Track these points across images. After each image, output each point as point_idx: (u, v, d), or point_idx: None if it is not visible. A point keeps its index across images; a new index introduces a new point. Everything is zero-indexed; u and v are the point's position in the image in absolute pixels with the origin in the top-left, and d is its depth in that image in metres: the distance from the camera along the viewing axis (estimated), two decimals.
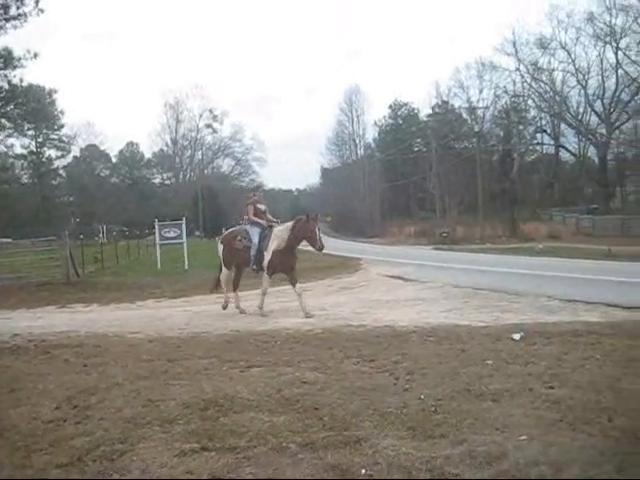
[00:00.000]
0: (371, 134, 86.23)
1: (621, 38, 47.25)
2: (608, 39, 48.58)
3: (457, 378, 5.84)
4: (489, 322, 9.17)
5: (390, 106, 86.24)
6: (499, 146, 61.27)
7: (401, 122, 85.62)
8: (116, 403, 5.52)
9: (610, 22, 47.35)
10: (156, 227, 26.00)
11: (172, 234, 25.88)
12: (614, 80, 50.60)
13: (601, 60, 51.33)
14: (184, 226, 26.18)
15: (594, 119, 55.78)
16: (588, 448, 3.98)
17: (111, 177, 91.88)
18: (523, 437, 4.21)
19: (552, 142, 60.10)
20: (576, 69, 53.18)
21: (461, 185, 56.11)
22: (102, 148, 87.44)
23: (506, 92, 58.70)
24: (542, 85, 56.21)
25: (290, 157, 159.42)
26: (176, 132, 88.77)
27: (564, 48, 53.37)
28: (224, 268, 12.24)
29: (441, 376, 5.96)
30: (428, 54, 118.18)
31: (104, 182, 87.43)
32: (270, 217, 12.04)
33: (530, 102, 58.69)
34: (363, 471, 3.83)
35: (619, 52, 48.70)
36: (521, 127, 59.30)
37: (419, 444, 4.21)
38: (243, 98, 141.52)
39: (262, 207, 12.01)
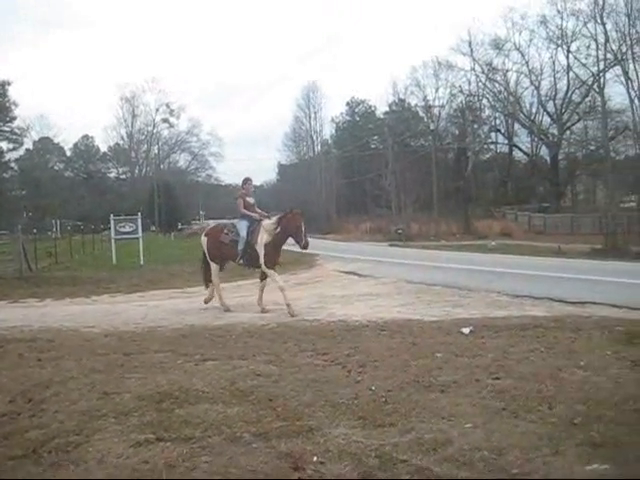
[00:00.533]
0: (328, 131, 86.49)
1: (572, 41, 48.37)
2: (560, 42, 49.71)
3: (407, 370, 6.02)
4: (440, 316, 9.41)
5: (347, 103, 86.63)
6: (454, 144, 62.13)
7: (358, 119, 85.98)
8: (71, 396, 5.53)
9: (562, 26, 48.47)
10: (111, 222, 25.77)
11: (127, 229, 25.71)
12: (565, 82, 51.81)
13: (553, 62, 52.53)
14: (139, 221, 26.00)
15: (546, 119, 57.02)
16: (528, 434, 4.19)
17: (65, 171, 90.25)
18: (468, 425, 4.40)
19: (506, 141, 61.21)
20: (529, 70, 54.29)
21: (417, 182, 56.71)
22: (56, 141, 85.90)
23: (461, 91, 59.62)
24: (496, 85, 57.23)
25: (247, 153, 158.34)
26: (132, 126, 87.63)
27: (518, 49, 54.41)
28: (211, 263, 11.78)
29: (392, 368, 6.13)
30: (386, 52, 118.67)
31: (58, 176, 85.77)
32: (259, 211, 11.68)
33: (485, 101, 59.71)
34: (315, 458, 3.95)
35: (570, 55, 49.83)
36: (476, 126, 60.17)
37: (369, 432, 4.36)
38: (200, 93, 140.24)
39: (251, 200, 11.68)
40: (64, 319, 10.71)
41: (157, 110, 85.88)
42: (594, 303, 10.09)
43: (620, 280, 13.87)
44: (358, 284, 15.21)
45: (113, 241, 25.66)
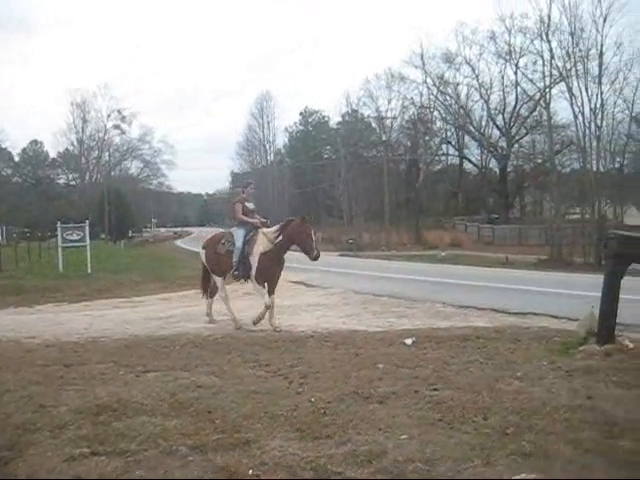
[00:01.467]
0: (282, 140, 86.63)
1: (520, 57, 49.49)
2: (508, 57, 50.78)
3: (348, 381, 6.04)
4: (385, 327, 9.51)
5: (301, 113, 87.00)
6: (406, 155, 62.89)
7: (311, 129, 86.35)
8: (6, 409, 5.40)
9: (510, 42, 49.53)
10: (59, 229, 25.29)
11: (75, 237, 25.24)
12: (514, 96, 52.95)
13: (502, 77, 53.59)
14: (87, 229, 25.56)
15: (496, 132, 58.13)
16: (461, 444, 4.24)
17: (13, 176, 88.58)
18: (404, 436, 4.43)
19: (457, 153, 62.17)
20: (479, 84, 55.30)
21: (368, 193, 57.22)
22: (3, 146, 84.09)
23: (413, 103, 60.41)
24: (448, 98, 58.09)
25: (200, 161, 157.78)
26: (83, 132, 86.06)
27: (469, 63, 55.40)
28: (215, 277, 10.95)
29: (333, 379, 6.15)
30: (340, 63, 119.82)
31: (5, 181, 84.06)
32: (259, 217, 10.82)
33: (436, 114, 60.58)
34: (250, 472, 3.94)
35: (518, 70, 50.95)
36: (427, 138, 61.05)
37: (305, 445, 4.37)
38: (153, 101, 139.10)
39: (250, 206, 10.79)
40: (5, 329, 10.50)
41: (109, 116, 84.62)
42: (535, 314, 10.30)
43: (562, 291, 14.21)
44: (306, 294, 15.25)
45: (60, 249, 25.16)
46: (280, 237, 10.00)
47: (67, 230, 25.43)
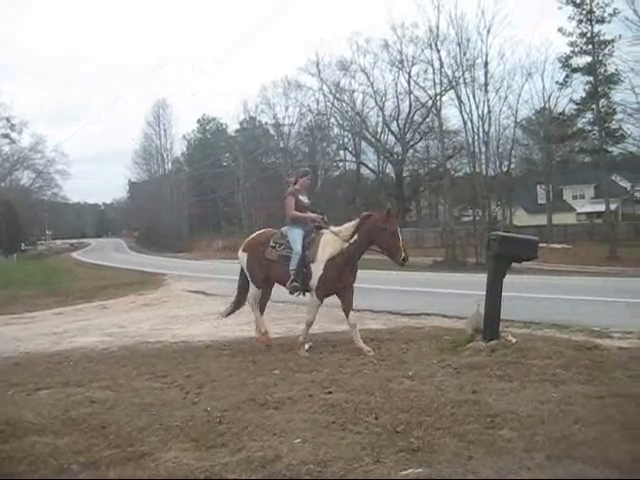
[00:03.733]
0: (179, 148, 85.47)
1: (412, 66, 50.85)
2: (401, 66, 52.06)
3: (245, 389, 6.08)
4: (283, 333, 9.61)
5: (199, 120, 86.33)
6: (304, 162, 63.38)
7: (210, 137, 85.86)
8: None
9: (402, 51, 50.80)
10: None
11: None
12: (407, 103, 54.41)
13: (396, 84, 54.90)
14: None
15: (391, 138, 59.52)
16: (353, 445, 4.37)
17: None
18: (297, 440, 4.52)
19: (354, 159, 63.12)
20: (374, 91, 56.40)
21: (268, 200, 57.30)
22: None
23: (310, 110, 61.02)
24: (344, 105, 58.90)
25: (96, 170, 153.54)
26: None
27: (363, 71, 56.40)
28: (252, 286, 8.87)
29: (230, 388, 6.18)
30: (237, 71, 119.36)
31: None
32: (313, 215, 8.61)
33: (333, 120, 61.28)
34: None
35: (410, 78, 52.42)
36: (325, 144, 61.78)
37: (200, 454, 4.38)
38: (45, 109, 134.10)
39: (305, 200, 8.71)
40: None
41: None
42: (427, 314, 10.64)
43: (454, 291, 14.74)
44: (205, 303, 15.15)
45: None
46: (355, 236, 7.96)
47: None
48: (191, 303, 15.38)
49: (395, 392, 5.63)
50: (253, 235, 9.30)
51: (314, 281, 7.98)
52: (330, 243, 8.00)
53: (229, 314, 9.54)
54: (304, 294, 8.36)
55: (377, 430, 4.64)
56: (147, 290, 19.59)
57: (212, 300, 15.76)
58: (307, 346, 8.06)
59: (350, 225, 8.11)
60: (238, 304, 9.38)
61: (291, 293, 8.38)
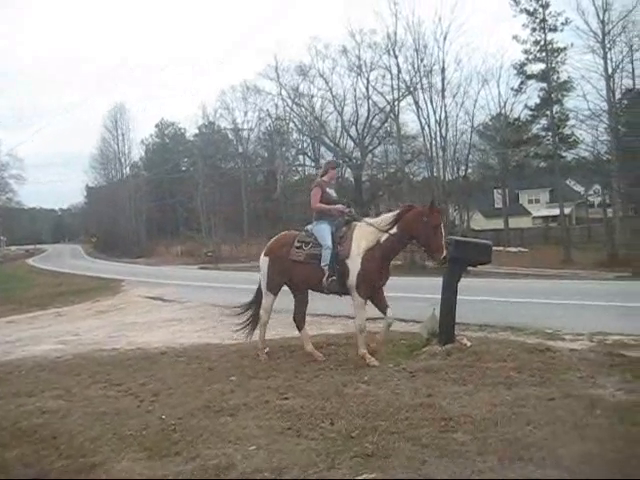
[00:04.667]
0: (138, 153, 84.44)
1: (370, 71, 51.05)
2: (359, 71, 52.23)
3: (200, 396, 6.05)
4: (240, 339, 9.51)
5: (157, 125, 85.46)
6: (264, 167, 63.29)
7: (168, 141, 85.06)
8: None
9: (360, 56, 50.98)
10: None
11: None
12: (366, 108, 54.42)
13: (355, 90, 54.83)
14: None
15: (350, 143, 59.45)
16: (308, 451, 4.38)
17: None
18: (252, 447, 4.51)
19: (313, 164, 63.11)
20: (333, 96, 56.32)
21: (227, 204, 57.17)
22: None
23: (269, 115, 60.79)
24: (303, 109, 58.80)
25: (53, 175, 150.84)
26: None
27: (322, 76, 56.30)
28: (268, 294, 7.95)
29: (185, 395, 6.14)
30: (196, 75, 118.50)
31: None
32: (340, 206, 7.75)
33: (292, 125, 61.10)
34: None
35: (369, 84, 52.72)
36: (284, 149, 61.60)
37: (154, 464, 4.34)
38: None
39: (332, 194, 7.93)
40: None
41: None
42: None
43: (411, 295, 14.79)
44: (162, 310, 14.99)
45: None
46: (394, 229, 7.24)
47: None
48: (149, 309, 15.21)
49: (351, 397, 5.65)
50: (274, 238, 8.36)
51: (352, 279, 7.20)
52: (365, 235, 7.30)
53: (252, 329, 8.43)
54: (340, 295, 7.62)
55: (332, 436, 4.65)
56: (104, 297, 19.31)
57: (170, 306, 15.64)
58: (264, 352, 8.00)
59: (389, 216, 7.43)
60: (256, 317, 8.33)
61: (328, 292, 7.53)
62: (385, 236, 7.21)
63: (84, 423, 5.39)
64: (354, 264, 7.17)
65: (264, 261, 7.99)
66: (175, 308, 15.01)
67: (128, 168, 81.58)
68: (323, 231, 7.48)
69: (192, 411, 5.50)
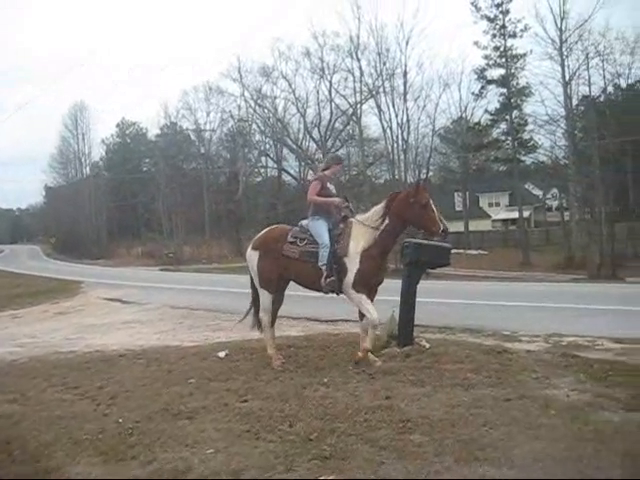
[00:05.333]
0: (99, 152, 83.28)
1: (333, 74, 51.24)
2: (322, 73, 52.38)
3: (159, 399, 5.98)
4: (199, 341, 9.48)
5: (118, 125, 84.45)
6: (226, 168, 63.04)
7: (129, 141, 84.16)
8: None
9: (323, 59, 51.16)
10: None
11: None
12: (329, 111, 54.67)
13: (317, 92, 54.96)
14: None
15: (312, 145, 59.60)
16: (267, 453, 4.37)
17: None
18: (210, 450, 4.48)
19: (275, 166, 63.09)
20: (296, 98, 56.36)
21: (189, 205, 56.80)
22: None
23: (232, 116, 60.66)
24: (265, 111, 58.75)
25: (10, 175, 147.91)
26: None
27: (285, 78, 56.34)
28: (263, 291, 7.57)
29: (143, 398, 6.06)
30: (158, 74, 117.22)
31: None
32: (337, 199, 7.49)
33: (255, 127, 61.00)
34: None
35: (332, 86, 52.89)
36: (246, 150, 61.45)
37: (110, 468, 4.29)
38: None
39: (332, 189, 7.64)
40: None
41: None
42: (345, 321, 10.65)
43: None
44: (122, 311, 14.81)
45: None
46: (386, 220, 7.04)
47: None
48: (108, 311, 15.00)
49: (310, 399, 5.65)
50: (264, 231, 7.87)
51: (350, 277, 6.94)
52: (362, 233, 7.06)
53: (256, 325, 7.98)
54: (337, 294, 7.27)
55: (291, 438, 4.65)
56: (62, 298, 18.98)
57: (129, 308, 15.46)
58: (223, 354, 7.96)
59: (378, 209, 7.17)
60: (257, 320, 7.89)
61: (326, 292, 7.22)
62: (379, 232, 7.00)
63: (38, 428, 5.30)
64: (353, 262, 6.95)
65: (253, 255, 7.58)
66: (134, 310, 14.84)
67: (88, 168, 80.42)
68: (320, 228, 7.17)
69: (150, 414, 5.44)
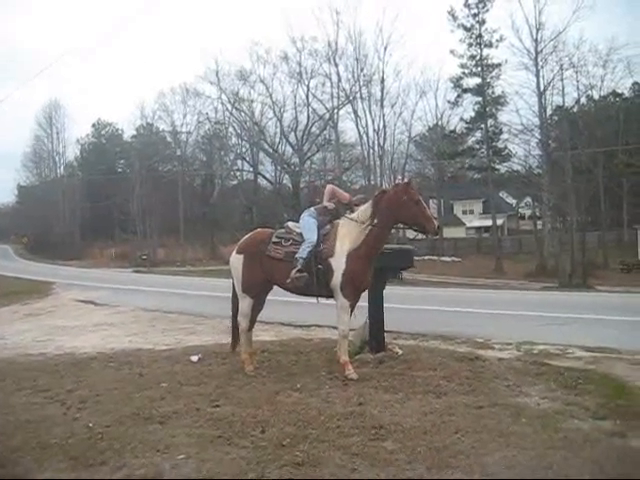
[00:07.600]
0: (73, 152, 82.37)
1: (310, 78, 51.35)
2: (300, 78, 52.44)
3: (130, 403, 5.91)
4: (172, 345, 9.39)
5: (93, 125, 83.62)
6: (201, 171, 62.82)
7: (105, 142, 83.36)
8: None
9: (301, 63, 51.23)
10: None
11: None
12: (306, 115, 54.76)
13: (295, 96, 55.02)
14: None
15: (289, 149, 59.59)
16: (238, 460, 4.34)
17: None
18: (181, 456, 4.44)
19: (251, 169, 62.97)
20: (273, 102, 56.31)
21: (163, 207, 56.43)
22: None
23: (209, 119, 60.41)
24: (242, 114, 58.60)
25: None
26: None
27: (262, 82, 56.28)
28: (244, 296, 7.34)
29: (114, 402, 5.99)
30: (134, 75, 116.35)
31: None
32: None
33: (231, 130, 60.84)
34: None
35: (309, 91, 52.98)
36: (222, 153, 61.27)
37: (79, 474, 4.23)
38: None
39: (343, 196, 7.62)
40: None
41: None
42: (318, 326, 10.64)
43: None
44: (94, 313, 14.64)
45: None
46: (375, 219, 6.82)
47: None
48: (79, 313, 14.81)
49: (283, 405, 5.63)
50: (248, 235, 7.77)
51: (337, 279, 6.73)
52: (349, 232, 6.88)
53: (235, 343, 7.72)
54: (318, 299, 7.17)
55: (263, 444, 4.63)
56: (33, 299, 18.72)
57: (101, 310, 15.29)
58: (196, 357, 7.92)
59: (366, 206, 6.97)
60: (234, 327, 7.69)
61: (293, 290, 7.03)
62: (369, 229, 6.80)
63: (6, 432, 5.20)
64: (339, 263, 6.75)
65: (237, 260, 7.36)
66: (107, 312, 14.68)
67: (62, 168, 79.55)
68: (311, 225, 7.04)
69: (120, 419, 5.38)
